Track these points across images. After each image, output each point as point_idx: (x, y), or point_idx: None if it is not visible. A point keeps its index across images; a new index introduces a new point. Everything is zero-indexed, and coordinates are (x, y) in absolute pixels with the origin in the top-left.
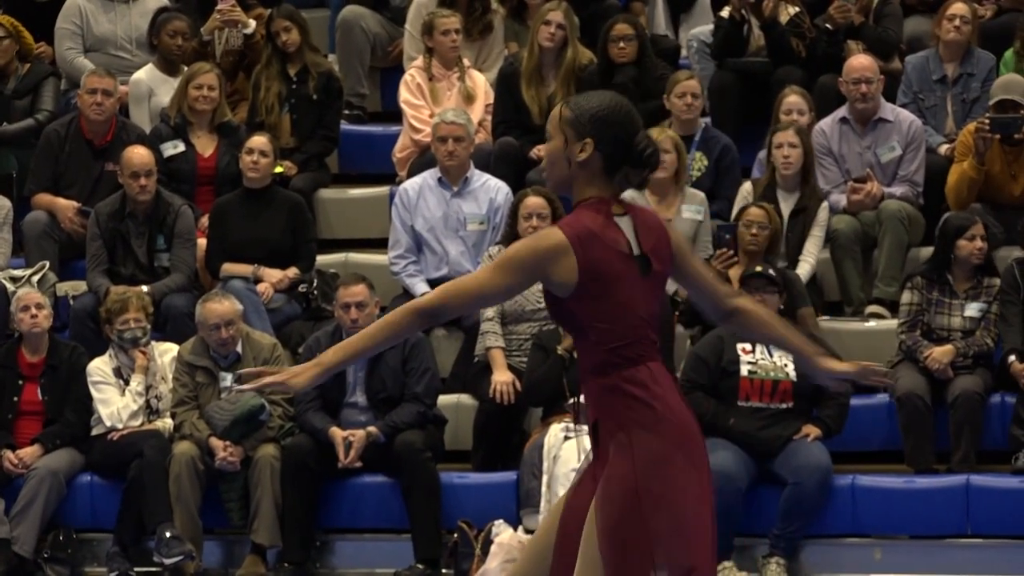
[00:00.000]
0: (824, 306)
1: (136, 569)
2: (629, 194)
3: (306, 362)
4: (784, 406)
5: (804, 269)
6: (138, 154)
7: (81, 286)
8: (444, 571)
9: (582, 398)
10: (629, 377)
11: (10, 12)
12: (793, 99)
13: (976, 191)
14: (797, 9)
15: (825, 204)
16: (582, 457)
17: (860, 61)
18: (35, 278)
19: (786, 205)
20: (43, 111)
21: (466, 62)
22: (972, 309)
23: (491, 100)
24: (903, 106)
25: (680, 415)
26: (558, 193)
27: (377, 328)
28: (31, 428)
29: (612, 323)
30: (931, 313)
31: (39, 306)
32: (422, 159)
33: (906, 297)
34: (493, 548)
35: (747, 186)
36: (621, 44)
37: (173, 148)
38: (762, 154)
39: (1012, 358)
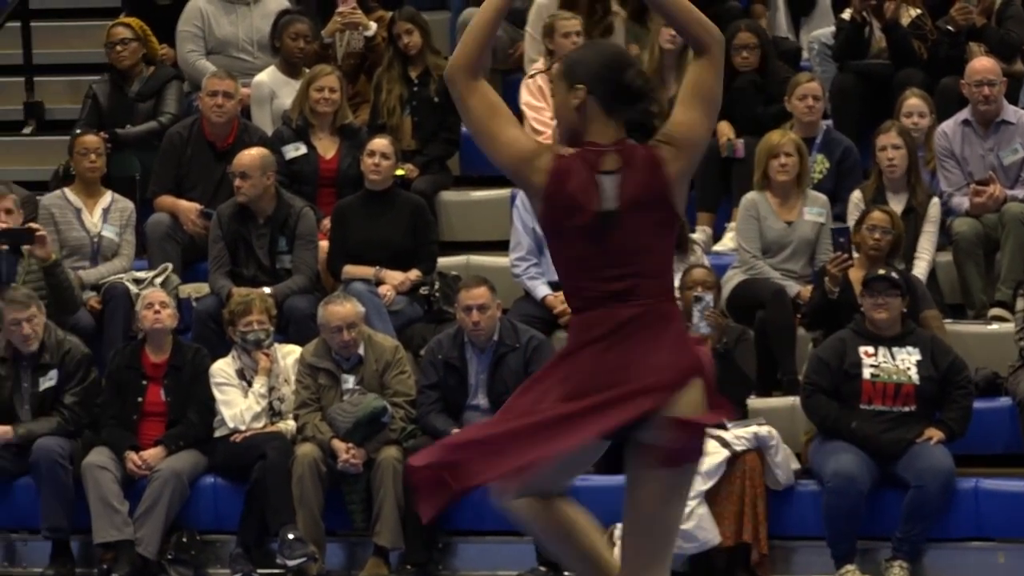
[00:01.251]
0: (946, 309)
1: (259, 571)
2: None
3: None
4: (907, 409)
5: (921, 267)
6: (241, 156)
7: (204, 288)
8: (565, 574)
9: None
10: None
11: (135, 14)
12: (913, 101)
13: None
14: (919, 11)
15: (936, 200)
16: (704, 460)
17: (982, 63)
18: (158, 280)
19: (896, 206)
20: (166, 114)
21: None
22: None
23: None
24: None
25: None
26: (572, 145)
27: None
28: (154, 430)
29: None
30: None
31: (163, 304)
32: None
33: (1020, 304)
34: (617, 548)
35: (857, 194)
36: (744, 53)
37: (295, 150)
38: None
39: None
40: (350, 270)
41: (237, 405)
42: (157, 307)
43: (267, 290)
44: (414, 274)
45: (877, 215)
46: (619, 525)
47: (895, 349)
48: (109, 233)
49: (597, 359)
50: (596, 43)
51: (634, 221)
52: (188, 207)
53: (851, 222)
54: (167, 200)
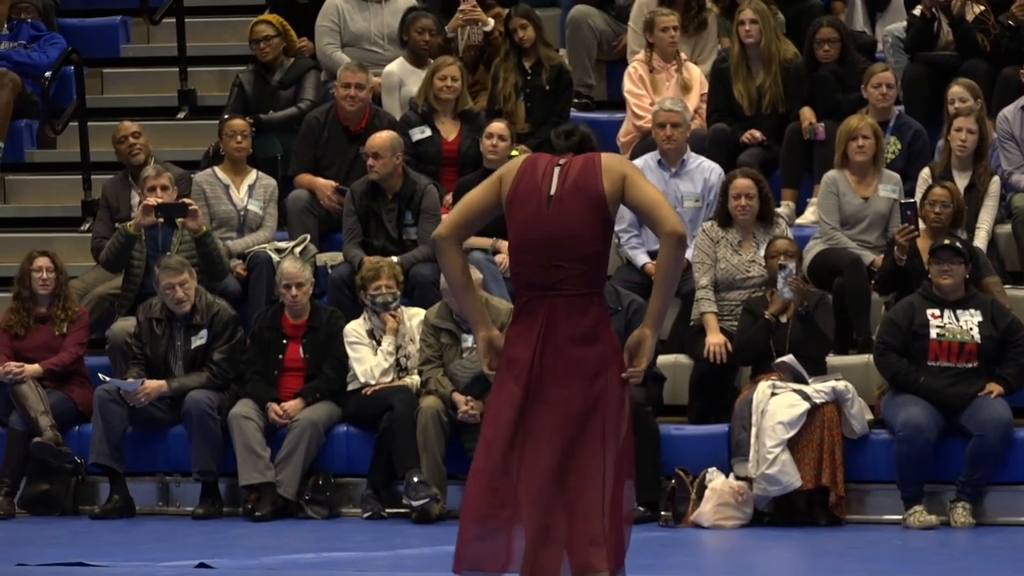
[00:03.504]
0: (1006, 275)
1: (387, 510)
2: None
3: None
4: (969, 366)
5: (981, 237)
6: (373, 138)
7: (338, 256)
8: (663, 513)
9: (790, 358)
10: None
11: (277, 11)
12: (956, 89)
13: None
14: (983, 7)
15: (996, 178)
16: (787, 411)
17: None
18: (297, 249)
19: (961, 182)
20: (305, 100)
21: (683, 56)
22: None
23: (705, 90)
24: None
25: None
26: None
27: (456, 279)
28: (294, 383)
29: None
30: None
31: (299, 284)
32: (643, 143)
33: None
34: (707, 493)
35: (925, 171)
36: (826, 47)
37: (420, 133)
38: (941, 142)
39: None
40: (470, 240)
41: (367, 362)
42: (294, 289)
43: (395, 259)
44: None
45: (938, 191)
46: (711, 469)
47: (959, 311)
48: (254, 207)
49: (531, 348)
50: None
51: (570, 205)
52: (324, 184)
53: (919, 197)
54: (306, 178)
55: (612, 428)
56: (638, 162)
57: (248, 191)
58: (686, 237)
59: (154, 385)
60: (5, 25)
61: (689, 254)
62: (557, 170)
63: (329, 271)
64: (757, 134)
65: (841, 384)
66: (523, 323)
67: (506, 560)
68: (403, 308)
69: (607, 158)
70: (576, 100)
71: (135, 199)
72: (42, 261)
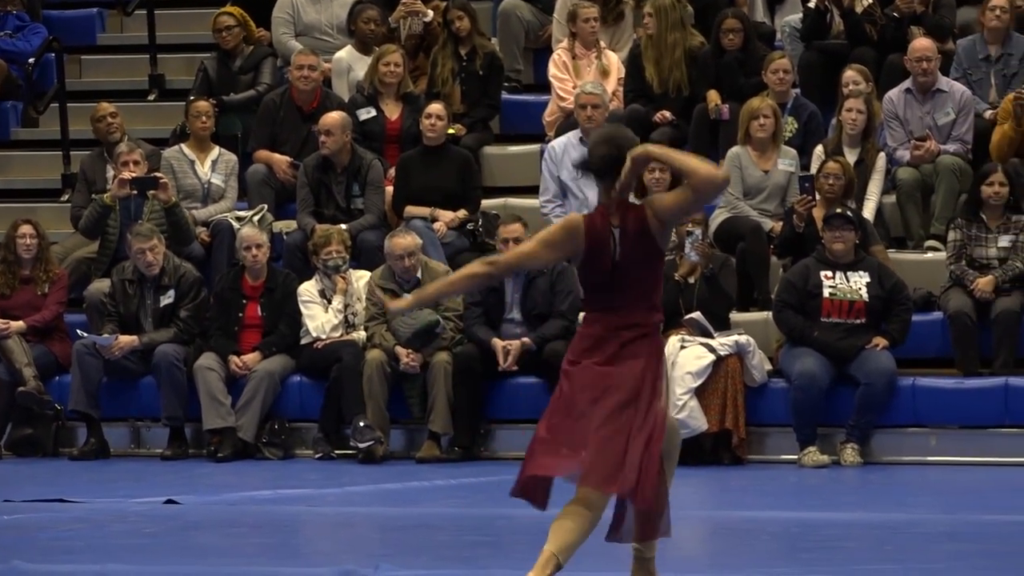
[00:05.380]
0: (890, 241)
1: (336, 452)
2: None
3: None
4: (858, 321)
5: (869, 207)
6: (325, 117)
7: (292, 224)
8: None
9: (697, 315)
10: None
11: (237, 3)
12: (850, 74)
13: (1014, 148)
14: (870, 0)
15: (882, 154)
16: (695, 362)
17: (922, 43)
18: (256, 218)
19: (851, 157)
20: (262, 84)
21: (602, 44)
22: (1004, 240)
23: (622, 75)
24: (955, 79)
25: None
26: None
27: (461, 278)
28: (252, 338)
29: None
30: (972, 246)
31: (258, 246)
32: (567, 122)
33: (951, 236)
34: None
35: (819, 148)
36: (730, 36)
37: (366, 113)
38: (833, 121)
39: None
40: (411, 210)
41: (319, 318)
42: (254, 250)
43: (343, 226)
44: (462, 213)
45: (831, 165)
46: None
47: (849, 273)
48: (217, 180)
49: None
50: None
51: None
52: (280, 159)
53: (813, 171)
54: (263, 153)
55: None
56: (561, 139)
57: (211, 166)
58: (721, 181)
59: (127, 340)
60: None
61: None
62: (617, 233)
63: (284, 237)
64: (667, 114)
65: (743, 338)
66: None
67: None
68: (351, 271)
69: (649, 211)
70: (506, 84)
71: (110, 173)
72: (26, 228)
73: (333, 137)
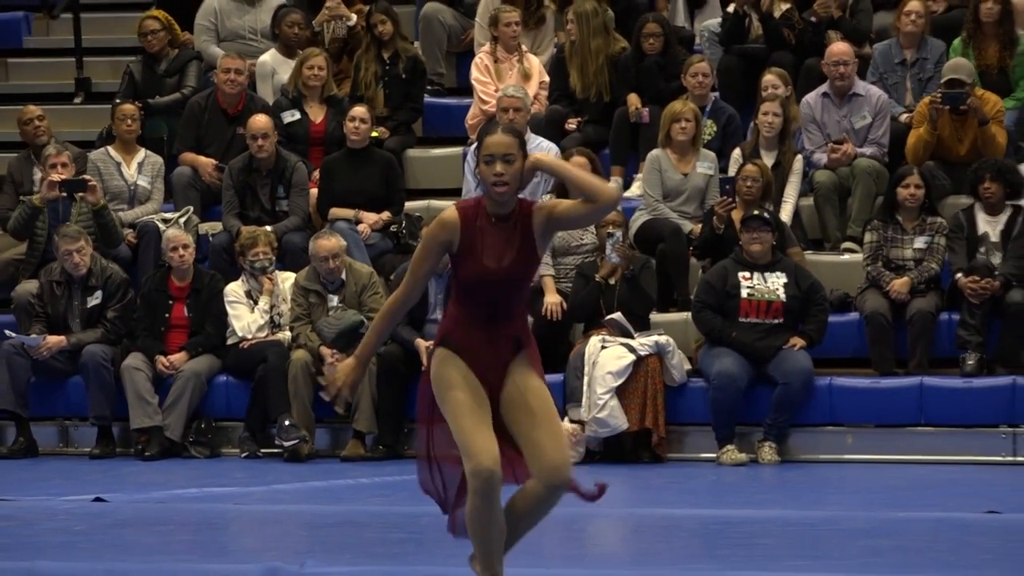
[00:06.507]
0: (808, 242)
1: (262, 450)
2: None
3: (355, 353)
4: (776, 321)
5: (787, 210)
6: (257, 120)
7: (218, 226)
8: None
9: (618, 316)
10: None
11: (162, 7)
12: (769, 77)
13: (930, 151)
14: (788, 5)
15: (799, 157)
16: (615, 362)
17: (839, 47)
18: (182, 220)
19: (768, 160)
20: (188, 87)
21: (524, 48)
22: (920, 242)
23: (544, 78)
24: (872, 83)
25: None
26: (510, 197)
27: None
28: (179, 339)
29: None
30: (888, 248)
31: (185, 246)
32: (489, 125)
33: (868, 237)
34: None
35: (737, 151)
36: (651, 40)
37: (291, 116)
38: (752, 124)
39: (959, 275)
40: (335, 212)
41: (245, 319)
42: (181, 250)
43: (269, 228)
44: (386, 215)
45: (749, 167)
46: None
47: (767, 274)
48: (143, 182)
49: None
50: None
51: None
52: (206, 162)
53: (733, 174)
54: (189, 156)
55: None
56: None
57: (137, 168)
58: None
59: (55, 340)
60: None
61: None
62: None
63: (210, 239)
64: (574, 123)
65: (663, 338)
66: None
67: None
68: (277, 272)
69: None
70: (429, 87)
71: (37, 175)
72: None
73: (269, 140)
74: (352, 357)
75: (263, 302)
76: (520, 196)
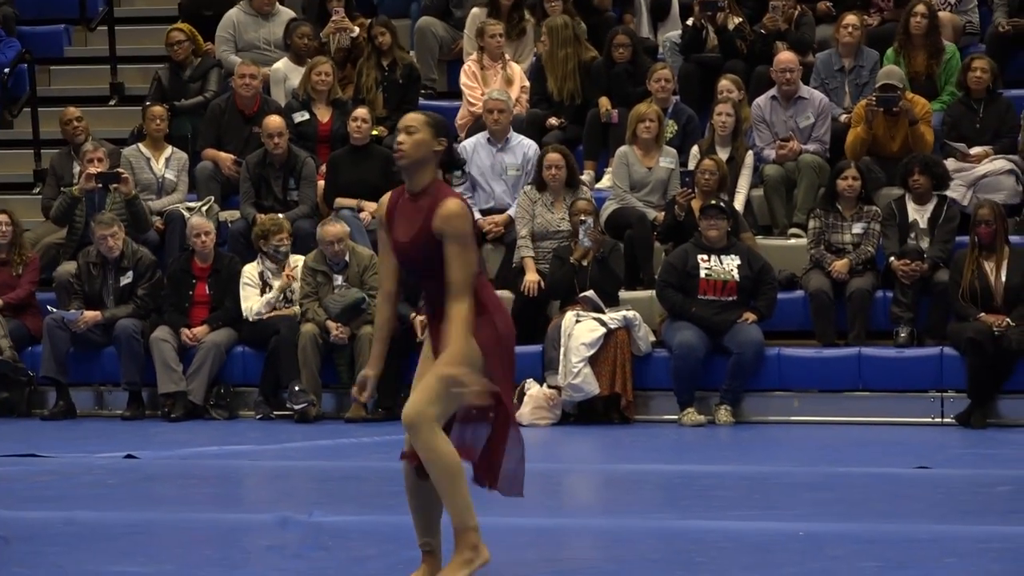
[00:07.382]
0: (758, 228)
1: (275, 413)
2: None
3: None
4: (731, 298)
5: (739, 199)
6: (273, 121)
7: (236, 214)
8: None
9: (591, 293)
10: None
11: (187, 20)
12: (724, 83)
13: (866, 148)
14: (740, 19)
15: (751, 153)
16: (588, 334)
17: (785, 56)
18: (204, 208)
19: (723, 155)
20: (209, 91)
21: (507, 56)
22: (857, 228)
23: (525, 83)
24: (815, 88)
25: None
26: (409, 169)
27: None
28: (201, 313)
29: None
30: (829, 233)
31: (207, 232)
32: (476, 125)
33: (811, 224)
34: (525, 398)
35: (695, 148)
36: (620, 50)
37: (301, 117)
38: (708, 124)
39: (892, 259)
40: (340, 201)
41: (251, 301)
42: (203, 236)
43: (281, 216)
44: None
45: (707, 162)
46: (528, 380)
47: (722, 256)
48: (170, 175)
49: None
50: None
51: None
52: (225, 157)
53: (692, 168)
54: (210, 152)
55: None
56: (471, 140)
57: (165, 163)
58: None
59: (91, 315)
60: None
61: (513, 211)
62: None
63: (229, 225)
64: (554, 121)
65: (631, 313)
66: None
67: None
68: (290, 256)
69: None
70: (423, 91)
71: (76, 169)
72: (2, 217)
73: (283, 138)
74: (369, 370)
75: (277, 284)
76: (451, 187)
